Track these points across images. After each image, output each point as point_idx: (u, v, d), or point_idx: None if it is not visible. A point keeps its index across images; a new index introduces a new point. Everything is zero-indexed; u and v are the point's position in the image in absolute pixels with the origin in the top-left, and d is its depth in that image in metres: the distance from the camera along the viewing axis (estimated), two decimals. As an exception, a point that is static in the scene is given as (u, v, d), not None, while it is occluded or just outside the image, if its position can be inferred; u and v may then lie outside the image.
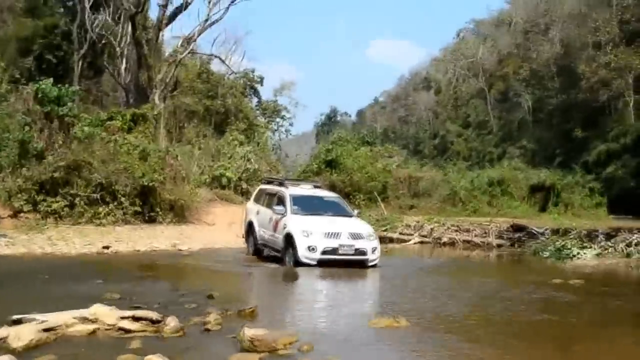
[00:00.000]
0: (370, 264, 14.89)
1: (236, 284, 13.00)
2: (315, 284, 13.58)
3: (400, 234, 22.86)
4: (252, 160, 29.03)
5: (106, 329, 7.78)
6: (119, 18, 35.13)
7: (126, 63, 35.27)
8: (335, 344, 7.56)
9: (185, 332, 7.69)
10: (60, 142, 21.19)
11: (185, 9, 33.95)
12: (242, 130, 41.38)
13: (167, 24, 34.74)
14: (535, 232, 21.89)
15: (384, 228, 22.79)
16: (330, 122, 62.92)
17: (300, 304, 11.05)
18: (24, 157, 20.53)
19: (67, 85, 23.19)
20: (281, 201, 15.90)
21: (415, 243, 22.41)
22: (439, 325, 8.85)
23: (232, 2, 33.31)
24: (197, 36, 35.31)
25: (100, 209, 20.33)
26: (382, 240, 22.01)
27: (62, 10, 39.14)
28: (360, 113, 69.53)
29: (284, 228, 15.08)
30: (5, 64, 32.32)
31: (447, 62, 61.62)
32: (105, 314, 8.11)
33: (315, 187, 17.96)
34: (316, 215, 15.38)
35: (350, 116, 68.55)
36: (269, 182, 18.69)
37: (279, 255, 15.38)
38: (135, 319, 8.14)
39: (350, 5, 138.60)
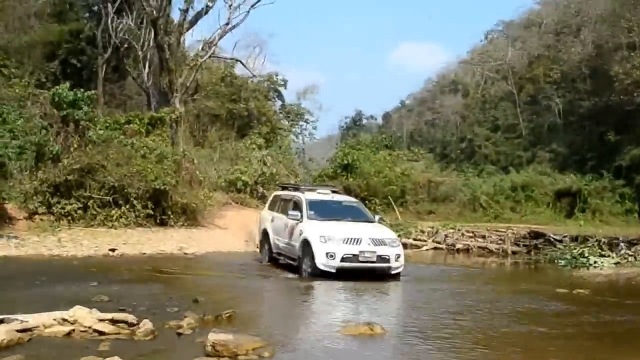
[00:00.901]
0: (394, 272, 14.09)
1: (227, 289, 12.90)
2: (310, 291, 13.25)
3: (414, 239, 22.85)
4: (268, 164, 29.26)
5: (82, 331, 8.07)
6: (142, 22, 35.72)
7: (149, 67, 35.85)
8: (301, 351, 7.73)
9: (157, 335, 7.93)
10: (76, 146, 21.70)
11: (206, 13, 34.23)
12: (264, 134, 41.89)
13: (188, 28, 35.12)
14: (553, 239, 21.60)
15: (397, 234, 22.78)
16: (355, 125, 63.11)
17: (283, 311, 11.02)
18: (41, 160, 21.12)
19: (83, 90, 23.65)
20: (297, 206, 15.32)
21: (428, 249, 22.40)
22: (414, 334, 8.94)
23: (252, 6, 33.42)
24: (218, 40, 35.58)
25: (113, 212, 20.78)
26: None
27: (87, 15, 39.90)
28: (386, 116, 69.59)
29: (300, 234, 14.42)
30: (31, 69, 33.30)
31: (475, 64, 61.15)
32: (84, 317, 8.41)
33: (333, 192, 17.13)
34: (334, 220, 14.70)
35: (376, 119, 68.65)
36: (283, 188, 18.31)
37: (295, 264, 14.80)
38: (113, 321, 8.45)
39: (376, 8, 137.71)
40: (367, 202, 27.41)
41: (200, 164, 29.76)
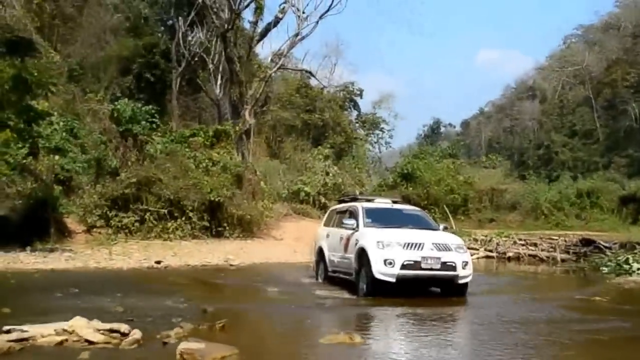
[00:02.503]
0: (461, 281, 12.69)
1: (243, 300, 13.07)
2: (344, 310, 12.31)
3: (468, 248, 22.73)
4: (331, 174, 29.70)
5: (75, 341, 8.65)
6: (213, 36, 37.06)
7: (220, 80, 37.12)
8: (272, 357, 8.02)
9: (142, 344, 8.41)
10: (134, 160, 22.84)
11: (275, 26, 35.21)
12: (339, 144, 42.47)
13: (258, 41, 36.23)
14: (602, 247, 21.23)
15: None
16: (433, 133, 62.78)
17: (279, 324, 10.60)
18: (100, 175, 22.39)
19: (151, 105, 24.90)
20: (353, 215, 14.36)
21: (479, 258, 22.31)
22: (394, 342, 9.07)
23: (321, 16, 34.05)
24: (287, 51, 36.55)
25: (169, 224, 21.78)
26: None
27: (161, 29, 41.69)
28: (464, 124, 68.97)
29: (356, 244, 13.29)
30: (107, 83, 35.16)
31: (553, 70, 59.88)
32: (81, 327, 8.97)
33: (394, 202, 15.92)
34: (393, 227, 13.42)
35: (454, 127, 68.05)
36: (340, 202, 17.30)
37: (351, 279, 13.64)
38: (111, 331, 9.04)
39: (456, 15, 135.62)
40: (427, 211, 27.44)
41: (268, 175, 30.65)
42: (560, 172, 44.01)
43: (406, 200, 26.26)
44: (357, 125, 48.94)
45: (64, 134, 23.68)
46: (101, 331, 8.93)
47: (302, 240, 21.54)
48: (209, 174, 24.49)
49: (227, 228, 22.76)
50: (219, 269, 17.56)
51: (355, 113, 49.69)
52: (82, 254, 18.33)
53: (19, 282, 14.16)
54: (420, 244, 12.52)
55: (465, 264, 12.66)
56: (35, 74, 17.50)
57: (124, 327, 8.96)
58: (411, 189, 30.75)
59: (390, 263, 12.30)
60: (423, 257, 12.36)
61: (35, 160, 22.03)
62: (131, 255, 18.68)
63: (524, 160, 55.02)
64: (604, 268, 18.84)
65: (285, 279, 16.24)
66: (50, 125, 23.23)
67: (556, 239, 23.33)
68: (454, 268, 12.50)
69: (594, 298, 13.52)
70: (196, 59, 38.22)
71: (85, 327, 8.96)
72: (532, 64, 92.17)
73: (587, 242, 22.49)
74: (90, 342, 8.56)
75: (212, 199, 22.25)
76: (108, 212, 21.39)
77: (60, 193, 22.31)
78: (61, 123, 23.85)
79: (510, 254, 22.62)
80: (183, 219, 22.00)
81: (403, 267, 12.28)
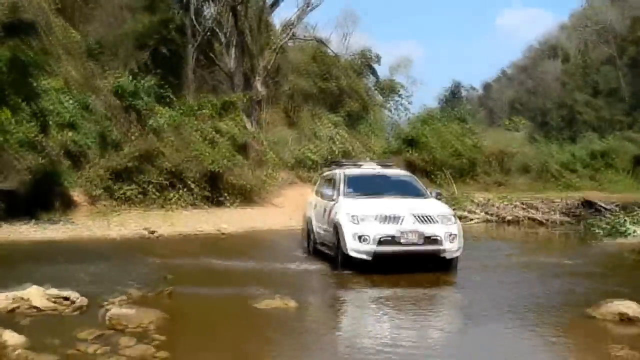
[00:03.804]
0: (448, 256, 11.31)
1: (210, 268, 12.72)
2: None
3: (468, 212, 22.71)
4: (337, 142, 29.76)
5: (26, 308, 9.07)
6: (225, 9, 37.09)
7: (233, 52, 37.20)
8: (197, 324, 8.27)
9: (84, 310, 8.80)
10: (137, 134, 23.24)
11: (284, -4, 35.09)
12: (355, 111, 42.33)
13: (269, 13, 36.19)
14: (602, 208, 20.87)
15: (452, 207, 22.82)
16: (454, 97, 61.93)
17: (227, 290, 10.35)
18: (104, 148, 22.86)
19: (141, 80, 25.27)
20: (333, 184, 13.24)
21: (478, 222, 22.20)
22: (328, 308, 9.28)
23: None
24: (297, 21, 36.46)
25: (170, 195, 22.23)
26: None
27: (176, 4, 41.74)
28: (486, 86, 67.95)
29: (335, 216, 12.04)
30: (124, 59, 35.56)
31: (575, 29, 58.22)
32: (35, 294, 9.40)
33: (385, 166, 14.65)
34: (375, 197, 12.20)
35: (476, 90, 67.10)
36: (329, 168, 15.72)
37: (333, 255, 12.29)
38: (62, 298, 9.44)
39: None
40: (432, 175, 27.48)
41: (279, 144, 30.87)
42: (585, 133, 43.11)
43: (410, 165, 26.24)
44: (374, 91, 48.54)
45: (78, 109, 24.20)
46: (52, 299, 9.36)
47: (303, 207, 21.69)
48: (214, 145, 24.76)
49: (228, 197, 23.11)
50: (209, 237, 17.91)
51: (372, 79, 49.27)
52: (81, 225, 18.85)
53: (10, 252, 14.71)
54: (399, 217, 11.20)
55: (452, 236, 11.27)
56: (31, 55, 17.91)
57: (73, 295, 9.36)
58: (416, 154, 30.49)
59: (365, 239, 11.09)
60: (402, 232, 11.08)
61: (45, 136, 22.54)
62: (128, 225, 19.10)
63: (546, 122, 53.92)
64: (599, 230, 18.57)
65: (267, 246, 16.48)
66: (60, 102, 23.73)
67: (557, 202, 22.98)
68: (438, 242, 11.17)
69: (568, 261, 13.44)
70: (210, 32, 38.28)
71: (38, 295, 9.35)
72: (555, 23, 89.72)
73: (587, 204, 22.12)
74: (39, 309, 8.99)
75: (212, 169, 22.57)
76: (111, 185, 21.85)
77: (69, 167, 22.90)
78: (70, 100, 24.26)
79: (509, 218, 22.31)
80: (184, 189, 22.39)
81: (379, 243, 11.05)
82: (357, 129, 38.36)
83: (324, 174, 15.52)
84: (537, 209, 22.56)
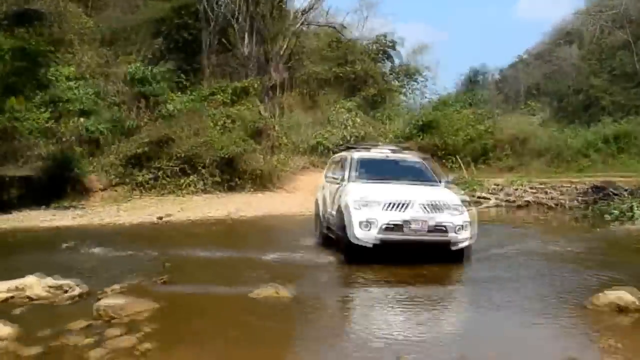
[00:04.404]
0: (455, 247, 10.66)
1: (210, 256, 12.32)
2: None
3: (479, 197, 22.41)
4: (350, 127, 29.47)
5: (21, 297, 8.94)
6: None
7: (248, 38, 36.96)
8: (187, 314, 8.08)
9: (77, 300, 8.65)
10: (147, 120, 23.14)
11: (298, -18, 34.82)
12: (372, 95, 41.95)
13: (282, -1, 35.90)
14: (612, 193, 20.40)
15: (463, 192, 22.58)
16: (471, 82, 61.28)
17: (223, 278, 10.02)
18: (116, 135, 22.79)
19: (153, 67, 25.13)
20: (342, 167, 12.80)
21: (489, 206, 21.86)
22: (321, 297, 9.04)
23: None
24: (310, 8, 36.13)
25: (182, 180, 22.13)
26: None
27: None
28: (504, 71, 67.18)
29: (340, 200, 11.52)
30: (139, 46, 35.46)
31: (591, 14, 57.13)
32: (31, 284, 9.28)
33: (395, 151, 13.80)
34: (384, 182, 11.64)
35: (493, 75, 66.39)
36: (341, 151, 15.26)
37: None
38: (58, 288, 9.31)
39: None
40: (444, 160, 27.18)
41: (293, 129, 30.65)
42: (601, 117, 42.38)
43: (422, 150, 25.85)
44: (391, 76, 48.08)
45: (92, 96, 24.14)
46: (49, 288, 9.23)
47: (315, 192, 21.46)
48: (226, 131, 24.61)
49: (239, 182, 22.98)
50: (217, 223, 17.71)
51: (389, 64, 48.80)
52: (92, 211, 18.82)
53: (18, 240, 14.68)
54: (405, 204, 10.56)
55: (460, 226, 10.64)
56: (40, 44, 17.82)
57: (69, 284, 9.22)
58: (427, 139, 30.15)
59: (368, 226, 10.48)
60: (407, 219, 10.45)
61: (59, 123, 22.53)
62: (139, 211, 19.01)
63: (563, 106, 53.17)
64: (607, 215, 18.15)
65: (274, 233, 16.22)
66: (70, 89, 23.66)
67: (568, 186, 22.61)
68: (445, 231, 10.54)
69: (570, 248, 13.10)
70: (224, 18, 38.01)
71: (34, 285, 9.22)
72: (571, 9, 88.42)
73: (598, 188, 21.66)
74: (34, 299, 8.86)
75: (222, 155, 22.41)
76: (124, 171, 21.80)
77: (83, 154, 22.90)
78: (81, 88, 24.19)
79: (520, 203, 21.97)
80: (196, 175, 22.27)
81: (383, 230, 10.44)
82: (373, 114, 37.98)
83: (334, 156, 15.06)
84: (546, 193, 22.16)
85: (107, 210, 19.03)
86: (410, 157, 13.69)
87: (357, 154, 12.84)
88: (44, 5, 27.31)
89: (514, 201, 21.98)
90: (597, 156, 29.93)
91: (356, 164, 12.29)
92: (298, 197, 22.00)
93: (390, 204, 10.59)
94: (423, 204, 10.63)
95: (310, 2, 35.39)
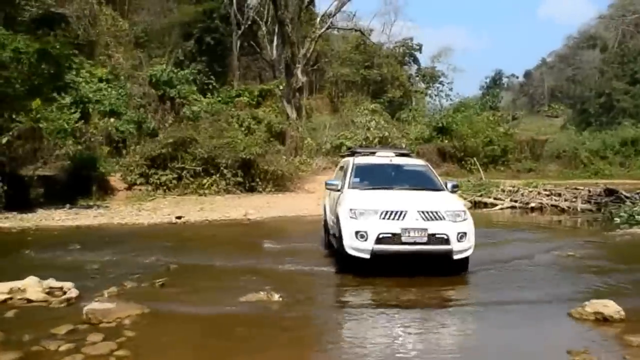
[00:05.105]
0: (457, 256, 9.87)
1: (217, 258, 11.93)
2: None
3: (494, 199, 22.00)
4: (372, 128, 29.15)
5: (19, 299, 8.81)
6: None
7: (275, 41, 36.91)
8: (174, 319, 7.83)
9: (73, 302, 8.49)
10: (171, 121, 23.10)
11: (324, -14, 34.56)
12: (397, 98, 41.64)
13: (309, 3, 35.66)
14: (623, 197, 19.80)
15: (479, 193, 22.23)
16: (495, 84, 60.57)
17: (221, 282, 9.83)
18: (140, 136, 22.79)
19: (179, 69, 25.12)
20: (343, 173, 12.08)
21: (503, 208, 21.46)
22: (311, 303, 8.74)
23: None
24: (335, 12, 35.87)
25: (204, 181, 22.02)
26: (476, 205, 21.44)
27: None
28: (527, 74, 66.19)
29: (337, 209, 10.82)
30: (170, 48, 35.61)
31: (614, 18, 56.06)
32: (30, 285, 9.17)
33: (402, 154, 12.98)
34: (383, 189, 10.93)
35: (517, 77, 65.49)
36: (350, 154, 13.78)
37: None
38: (56, 289, 9.18)
39: None
40: (462, 162, 26.83)
41: (317, 130, 30.46)
42: (621, 120, 41.46)
43: (441, 153, 25.53)
44: (416, 79, 47.77)
45: (123, 97, 24.21)
46: (47, 290, 9.09)
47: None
48: (250, 132, 24.47)
49: (260, 183, 22.80)
50: (233, 223, 17.52)
51: (415, 67, 48.52)
52: (113, 210, 18.73)
53: (36, 238, 14.58)
54: (402, 212, 9.80)
55: (461, 235, 9.84)
56: (58, 47, 17.83)
57: (67, 286, 9.08)
58: (447, 141, 29.72)
59: (363, 236, 9.75)
60: (404, 229, 9.66)
61: (86, 123, 22.59)
62: (160, 210, 18.90)
63: (585, 109, 52.24)
64: (617, 219, 17.57)
65: (281, 237, 15.64)
66: (99, 91, 23.74)
67: (581, 189, 22.16)
68: (445, 241, 9.74)
69: (572, 253, 12.61)
70: (252, 22, 38.06)
71: (33, 286, 9.11)
72: (594, 14, 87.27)
73: (610, 192, 21.13)
74: (28, 301, 8.73)
75: (245, 156, 22.26)
76: (147, 171, 21.77)
77: (110, 153, 22.95)
78: (112, 89, 24.27)
79: (533, 205, 21.52)
80: (217, 175, 22.15)
81: (378, 240, 9.69)
82: (398, 116, 37.65)
83: (340, 162, 14.25)
84: (560, 195, 21.66)
85: (128, 210, 18.93)
86: (415, 160, 13.04)
87: (357, 160, 12.08)
88: (78, 9, 27.55)
89: (527, 203, 21.48)
90: (615, 158, 29.30)
91: (355, 170, 11.61)
92: (317, 197, 21.62)
93: (387, 212, 9.84)
94: (422, 212, 9.86)
95: (336, 6, 34.92)
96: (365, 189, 11.00)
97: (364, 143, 28.22)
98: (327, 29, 36.67)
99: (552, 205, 21.27)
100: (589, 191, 21.64)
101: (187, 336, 7.08)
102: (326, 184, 12.38)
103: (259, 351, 6.61)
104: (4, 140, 18.85)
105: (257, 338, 7.05)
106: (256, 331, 7.26)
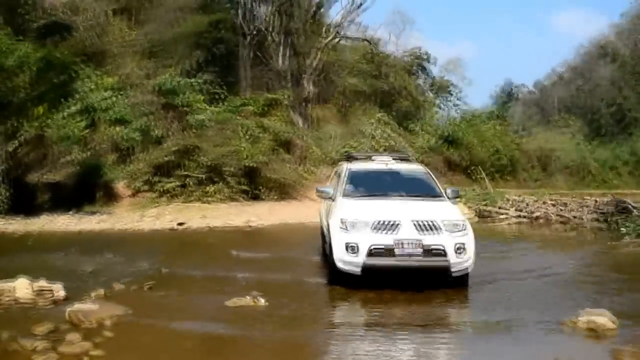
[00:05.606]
0: (454, 270, 9.03)
1: (212, 263, 12.04)
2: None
3: (499, 209, 21.70)
4: (377, 138, 29.03)
5: (8, 299, 8.80)
6: (273, 10, 36.80)
7: (282, 51, 36.86)
8: (155, 321, 7.73)
9: (59, 303, 8.43)
10: (175, 129, 23.06)
11: (333, -3, 34.61)
12: (405, 107, 41.47)
13: (315, 12, 35.69)
14: (631, 207, 19.38)
15: (484, 202, 21.98)
16: (506, 95, 60.32)
17: (207, 286, 9.79)
18: (145, 144, 22.77)
19: (184, 78, 25.21)
20: (337, 179, 11.39)
21: (508, 219, 21.12)
22: (296, 307, 8.59)
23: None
24: (342, 21, 35.88)
25: (208, 188, 21.95)
26: (482, 216, 21.16)
27: (228, 5, 41.59)
28: (537, 84, 65.80)
29: (327, 220, 10.22)
30: (178, 58, 35.64)
31: (626, 28, 55.54)
32: (21, 286, 9.14)
33: (400, 159, 12.11)
34: (377, 197, 10.15)
35: (527, 88, 65.20)
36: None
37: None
38: (46, 291, 9.13)
39: None
40: (469, 172, 26.57)
41: (322, 140, 30.38)
42: (633, 131, 41.01)
43: (448, 162, 25.33)
44: (425, 89, 47.54)
45: (128, 105, 24.20)
46: (36, 290, 9.04)
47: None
48: (256, 140, 24.39)
49: (264, 191, 22.72)
50: (235, 230, 17.45)
51: (424, 77, 48.26)
52: (116, 216, 18.76)
53: (36, 242, 14.58)
54: (396, 223, 9.02)
55: (460, 248, 9.02)
56: (59, 56, 17.92)
57: (55, 287, 9.03)
58: (454, 151, 29.50)
59: (354, 249, 9.01)
60: (397, 241, 8.91)
61: (94, 131, 22.61)
62: (162, 217, 18.89)
63: (596, 119, 51.72)
64: (623, 229, 17.22)
65: (279, 244, 15.50)
66: (108, 99, 23.75)
67: (587, 199, 21.80)
68: (442, 254, 8.93)
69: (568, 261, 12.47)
70: (260, 32, 38.04)
71: (23, 287, 9.07)
72: (606, 24, 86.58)
73: (617, 202, 20.71)
74: (17, 300, 8.69)
75: (249, 164, 22.19)
76: (152, 178, 21.77)
77: (115, 161, 22.95)
78: (119, 98, 24.25)
79: (538, 214, 21.15)
80: (222, 183, 22.09)
81: (370, 254, 8.93)
82: (406, 126, 37.45)
83: (336, 168, 13.25)
84: (566, 206, 21.37)
85: (131, 216, 18.95)
86: (414, 166, 11.90)
87: (353, 166, 11.30)
88: (87, 19, 27.69)
89: (533, 213, 21.13)
90: (625, 169, 28.92)
91: (350, 177, 10.81)
92: (320, 206, 21.51)
93: (379, 223, 9.06)
94: (417, 222, 9.05)
95: (343, 16, 34.92)
96: (358, 197, 10.24)
97: (369, 152, 28.03)
98: (334, 38, 36.63)
99: (558, 215, 20.86)
100: (596, 201, 21.26)
101: (166, 338, 6.99)
102: (317, 190, 11.69)
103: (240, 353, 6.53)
104: (11, 148, 18.97)
105: (238, 340, 6.96)
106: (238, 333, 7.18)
